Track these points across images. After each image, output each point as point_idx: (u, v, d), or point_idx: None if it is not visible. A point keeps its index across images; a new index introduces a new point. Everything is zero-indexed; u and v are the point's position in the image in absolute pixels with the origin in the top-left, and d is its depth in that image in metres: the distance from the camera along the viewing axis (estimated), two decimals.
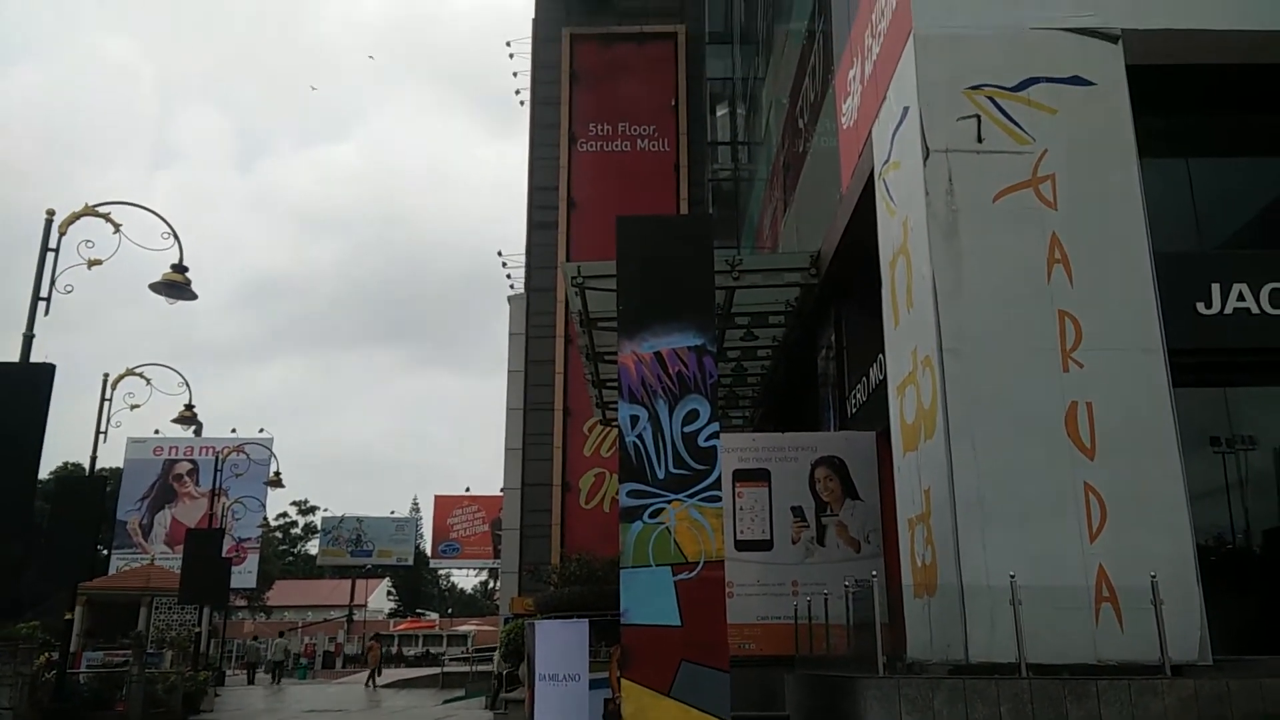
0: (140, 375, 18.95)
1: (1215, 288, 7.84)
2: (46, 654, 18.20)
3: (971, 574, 6.63)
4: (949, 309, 7.19)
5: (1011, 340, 7.13)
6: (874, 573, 7.70)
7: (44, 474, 30.26)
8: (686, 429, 7.28)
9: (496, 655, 25.66)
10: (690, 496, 7.13)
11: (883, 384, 9.50)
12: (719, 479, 7.22)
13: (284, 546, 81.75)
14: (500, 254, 27.92)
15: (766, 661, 10.92)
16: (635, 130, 26.78)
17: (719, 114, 26.27)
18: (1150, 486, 6.83)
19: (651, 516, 7.13)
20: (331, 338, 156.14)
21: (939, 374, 7.14)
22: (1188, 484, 6.87)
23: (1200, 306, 7.82)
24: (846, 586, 8.12)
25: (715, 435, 7.31)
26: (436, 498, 59.42)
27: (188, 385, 20.50)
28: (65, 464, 50.46)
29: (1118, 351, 7.03)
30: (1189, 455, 7.00)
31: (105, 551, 42.94)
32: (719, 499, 7.19)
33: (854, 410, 12.51)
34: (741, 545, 11.67)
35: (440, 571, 79.93)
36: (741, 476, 12.08)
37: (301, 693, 34.19)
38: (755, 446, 12.48)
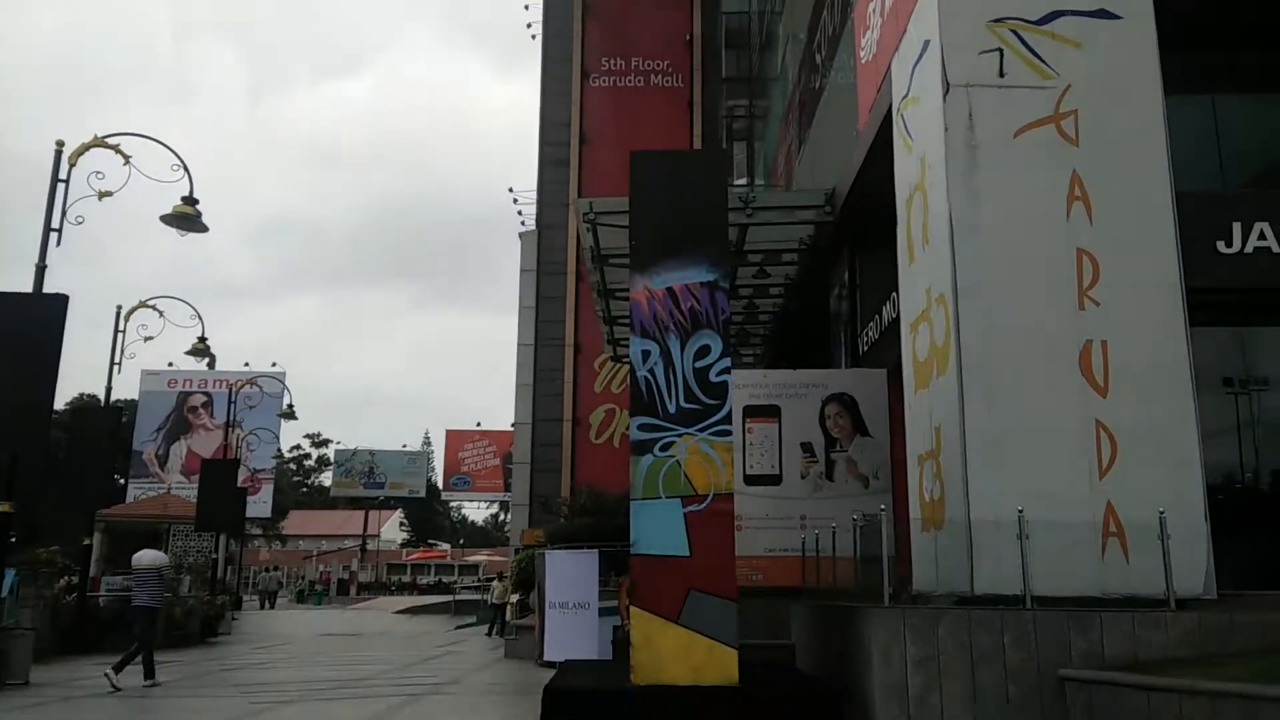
0: (153, 308, 19.02)
1: (1237, 226, 7.74)
2: (67, 578, 18.64)
3: (979, 509, 6.67)
4: (965, 246, 7.13)
5: (1027, 278, 7.08)
6: (882, 507, 7.74)
7: (59, 404, 30.57)
8: (698, 364, 7.31)
9: (495, 585, 25.98)
10: (701, 430, 7.19)
11: (895, 322, 9.48)
12: (730, 414, 7.27)
13: (298, 478, 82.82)
14: (511, 190, 27.73)
15: (773, 593, 11.11)
16: (649, 65, 26.33)
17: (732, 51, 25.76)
18: (1162, 425, 6.82)
19: (662, 450, 7.20)
20: (343, 276, 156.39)
21: (953, 311, 7.10)
22: (1200, 423, 6.85)
23: (1221, 245, 7.73)
24: (854, 521, 8.20)
25: (726, 370, 7.33)
26: (448, 432, 60.03)
27: (200, 318, 20.57)
28: (81, 395, 50.79)
29: (1135, 290, 6.96)
30: (1202, 395, 6.98)
31: (122, 481, 43.56)
32: (729, 433, 7.25)
33: (866, 348, 12.51)
34: (751, 480, 11.80)
35: (451, 504, 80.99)
36: (752, 412, 12.16)
37: (318, 617, 35.08)
38: (766, 383, 12.53)
